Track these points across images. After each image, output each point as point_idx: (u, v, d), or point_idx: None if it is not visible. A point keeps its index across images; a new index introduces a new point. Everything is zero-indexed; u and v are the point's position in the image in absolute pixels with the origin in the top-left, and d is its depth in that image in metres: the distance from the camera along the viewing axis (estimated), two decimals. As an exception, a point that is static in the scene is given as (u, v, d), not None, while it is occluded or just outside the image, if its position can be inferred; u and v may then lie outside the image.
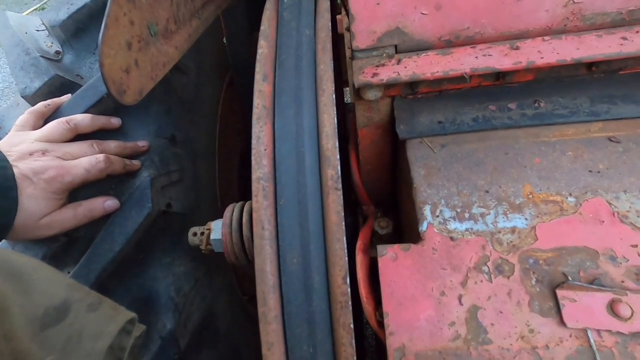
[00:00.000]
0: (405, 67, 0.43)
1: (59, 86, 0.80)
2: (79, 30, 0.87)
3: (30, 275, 0.52)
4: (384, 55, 0.45)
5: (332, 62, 0.34)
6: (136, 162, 0.79)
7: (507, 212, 0.42)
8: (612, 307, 0.35)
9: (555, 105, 0.46)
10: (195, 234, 0.82)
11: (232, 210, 0.80)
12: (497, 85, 0.48)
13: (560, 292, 0.37)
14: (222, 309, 1.08)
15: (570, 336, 0.36)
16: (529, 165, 0.44)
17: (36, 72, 0.79)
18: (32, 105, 0.80)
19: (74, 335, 0.47)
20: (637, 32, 0.40)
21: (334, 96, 0.32)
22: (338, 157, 0.30)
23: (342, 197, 0.29)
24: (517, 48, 0.42)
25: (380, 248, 0.39)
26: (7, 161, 0.64)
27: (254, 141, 0.33)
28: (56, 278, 0.55)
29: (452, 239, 0.41)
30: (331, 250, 0.29)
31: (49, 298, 0.49)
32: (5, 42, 0.85)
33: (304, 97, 0.33)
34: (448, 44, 0.45)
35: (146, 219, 0.78)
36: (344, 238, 0.29)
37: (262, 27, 0.38)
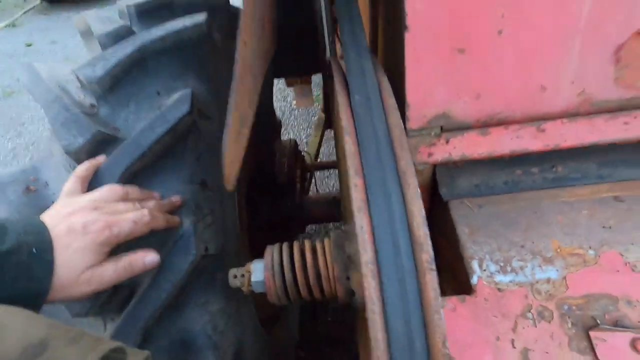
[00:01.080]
0: (454, 148, 0.52)
1: (100, 141, 0.84)
2: (114, 84, 0.91)
3: (6, 323, 0.51)
4: (432, 134, 0.53)
5: (411, 159, 0.42)
6: (176, 218, 0.83)
7: (542, 265, 0.51)
8: (634, 345, 0.44)
9: (569, 169, 0.56)
10: (235, 276, 0.87)
11: (272, 254, 0.86)
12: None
13: (592, 334, 0.45)
14: (249, 342, 1.12)
15: (605, 371, 0.44)
16: (554, 222, 0.53)
17: (78, 129, 0.82)
18: (76, 160, 0.84)
19: None
20: (635, 117, 0.50)
21: (418, 190, 0.40)
22: (430, 243, 0.38)
23: (436, 276, 0.37)
24: (543, 131, 0.52)
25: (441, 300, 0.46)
26: (46, 228, 0.66)
27: (358, 229, 0.40)
28: (35, 319, 0.55)
29: (499, 290, 0.49)
30: (431, 321, 0.36)
31: (27, 338, 0.50)
32: (41, 97, 0.88)
33: (392, 189, 0.41)
34: (484, 125, 0.54)
35: (190, 266, 0.82)
36: (442, 311, 0.36)
37: (343, 123, 0.46)
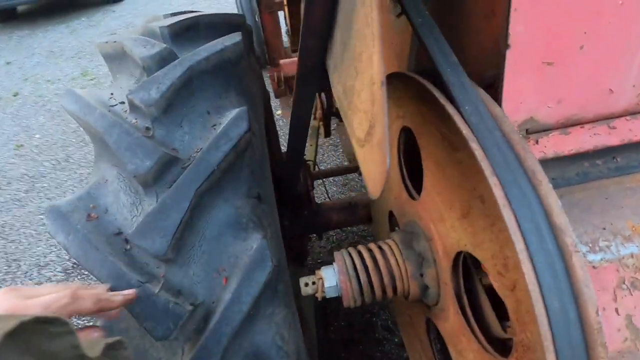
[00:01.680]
0: (545, 147, 0.60)
1: (165, 163, 0.84)
2: (167, 106, 0.92)
3: None
4: (520, 136, 0.61)
5: (536, 160, 0.48)
6: (127, 293, 0.72)
7: (624, 243, 0.59)
8: None
9: (627, 159, 0.66)
10: (307, 284, 0.91)
11: (343, 259, 0.90)
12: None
13: (679, 296, 0.54)
14: (303, 346, 1.15)
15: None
16: (624, 205, 0.62)
17: (144, 152, 0.82)
18: (142, 184, 0.83)
19: None
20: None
21: (550, 184, 0.47)
22: (571, 229, 0.44)
23: (584, 260, 0.43)
24: (614, 128, 0.61)
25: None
26: None
27: (508, 222, 0.45)
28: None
29: (594, 267, 0.57)
30: (582, 294, 0.43)
31: None
32: (97, 122, 0.87)
33: (525, 186, 0.47)
34: (562, 125, 0.62)
35: (268, 278, 0.85)
36: (591, 285, 0.42)
37: (464, 132, 0.52)
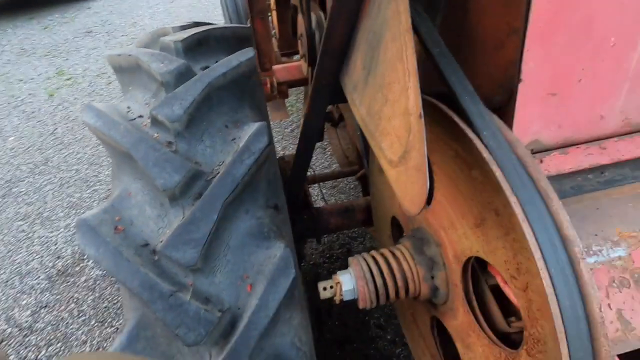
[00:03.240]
0: (549, 165, 0.68)
1: (192, 177, 0.88)
2: (189, 122, 0.95)
3: None
4: (526, 156, 0.70)
5: (547, 181, 0.56)
6: None
7: (613, 247, 0.69)
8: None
9: (613, 174, 0.76)
10: (325, 289, 0.97)
11: (359, 264, 0.97)
12: (580, 165, 0.76)
13: (659, 292, 0.64)
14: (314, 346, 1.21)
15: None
16: (612, 214, 0.72)
17: (172, 167, 0.86)
18: (170, 198, 0.87)
19: None
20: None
21: (560, 202, 0.55)
22: (579, 240, 0.53)
23: (587, 263, 0.51)
24: (605, 148, 0.70)
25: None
26: None
27: (527, 235, 0.53)
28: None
29: (590, 269, 0.66)
30: (588, 294, 0.51)
31: None
32: (123, 138, 0.90)
33: (538, 203, 0.55)
34: (561, 146, 0.72)
35: (292, 284, 0.90)
36: (595, 286, 0.51)
37: (484, 155, 0.59)
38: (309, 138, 1.19)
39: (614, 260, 0.68)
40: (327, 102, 1.10)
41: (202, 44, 1.21)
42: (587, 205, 0.73)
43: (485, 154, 0.59)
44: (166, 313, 0.81)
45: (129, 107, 1.05)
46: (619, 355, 0.64)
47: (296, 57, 3.49)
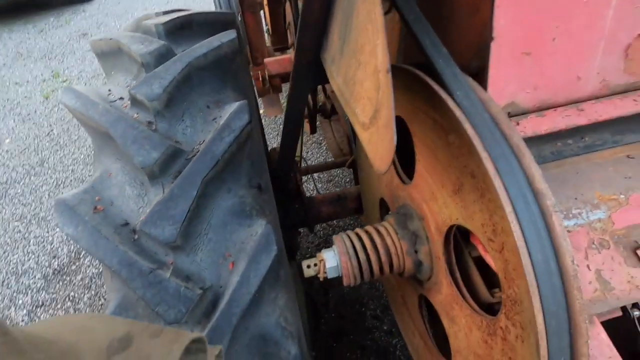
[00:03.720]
0: (525, 127, 0.68)
1: (171, 155, 0.88)
2: (169, 101, 0.95)
3: (91, 322, 0.55)
4: (503, 119, 0.69)
5: (520, 136, 0.56)
6: None
7: (592, 210, 0.68)
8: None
9: (593, 139, 0.75)
10: (309, 266, 0.96)
11: (342, 241, 0.96)
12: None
13: (639, 252, 0.63)
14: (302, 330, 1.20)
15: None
16: (592, 179, 0.71)
17: (151, 144, 0.85)
18: (149, 175, 0.86)
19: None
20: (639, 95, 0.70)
21: (532, 156, 0.54)
22: (550, 193, 0.52)
23: (562, 218, 0.51)
24: (582, 110, 0.69)
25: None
26: None
27: (498, 189, 0.52)
28: (117, 320, 0.59)
29: (568, 231, 0.65)
30: (561, 246, 0.50)
31: (112, 332, 0.53)
32: (102, 117, 0.89)
33: (511, 158, 0.54)
34: (538, 109, 0.71)
35: (274, 261, 0.89)
36: (568, 239, 0.50)
37: (457, 114, 0.58)
38: (292, 124, 1.18)
39: (594, 222, 0.67)
40: (310, 84, 1.09)
41: (184, 27, 1.20)
42: (567, 170, 0.72)
43: (458, 112, 0.58)
44: (145, 290, 0.80)
45: (109, 90, 1.04)
46: (607, 331, 0.63)
47: (289, 51, 3.49)
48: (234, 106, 0.97)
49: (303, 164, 2.63)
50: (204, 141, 0.93)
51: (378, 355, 2.24)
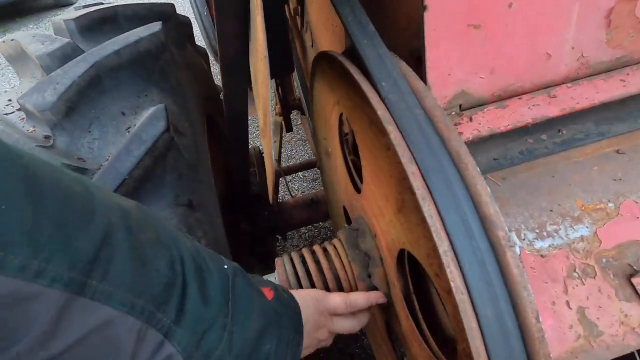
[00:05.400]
0: (480, 124, 0.52)
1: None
2: (70, 110, 0.80)
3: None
4: (453, 113, 0.53)
5: (461, 140, 0.40)
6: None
7: (573, 225, 0.52)
8: (672, 283, 0.47)
9: (573, 132, 0.59)
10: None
11: (283, 265, 0.81)
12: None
13: (634, 281, 0.48)
14: None
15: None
16: (572, 183, 0.56)
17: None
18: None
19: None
20: (629, 74, 0.54)
21: (477, 168, 0.39)
22: (503, 220, 0.37)
23: (518, 252, 0.36)
24: (555, 97, 0.54)
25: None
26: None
27: (428, 219, 0.38)
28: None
29: (542, 256, 0.50)
30: (520, 298, 0.35)
31: None
32: (-18, 135, 0.74)
33: (450, 171, 0.39)
34: (498, 98, 0.55)
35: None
36: (529, 286, 0.35)
37: (379, 112, 0.43)
38: (237, 124, 1.03)
39: (575, 242, 0.51)
40: (244, 78, 0.94)
41: (106, 22, 1.04)
42: (540, 173, 0.57)
43: (382, 111, 0.42)
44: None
45: (10, 100, 0.89)
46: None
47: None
48: (149, 112, 0.82)
49: (288, 164, 2.48)
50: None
51: (366, 366, 2.11)
